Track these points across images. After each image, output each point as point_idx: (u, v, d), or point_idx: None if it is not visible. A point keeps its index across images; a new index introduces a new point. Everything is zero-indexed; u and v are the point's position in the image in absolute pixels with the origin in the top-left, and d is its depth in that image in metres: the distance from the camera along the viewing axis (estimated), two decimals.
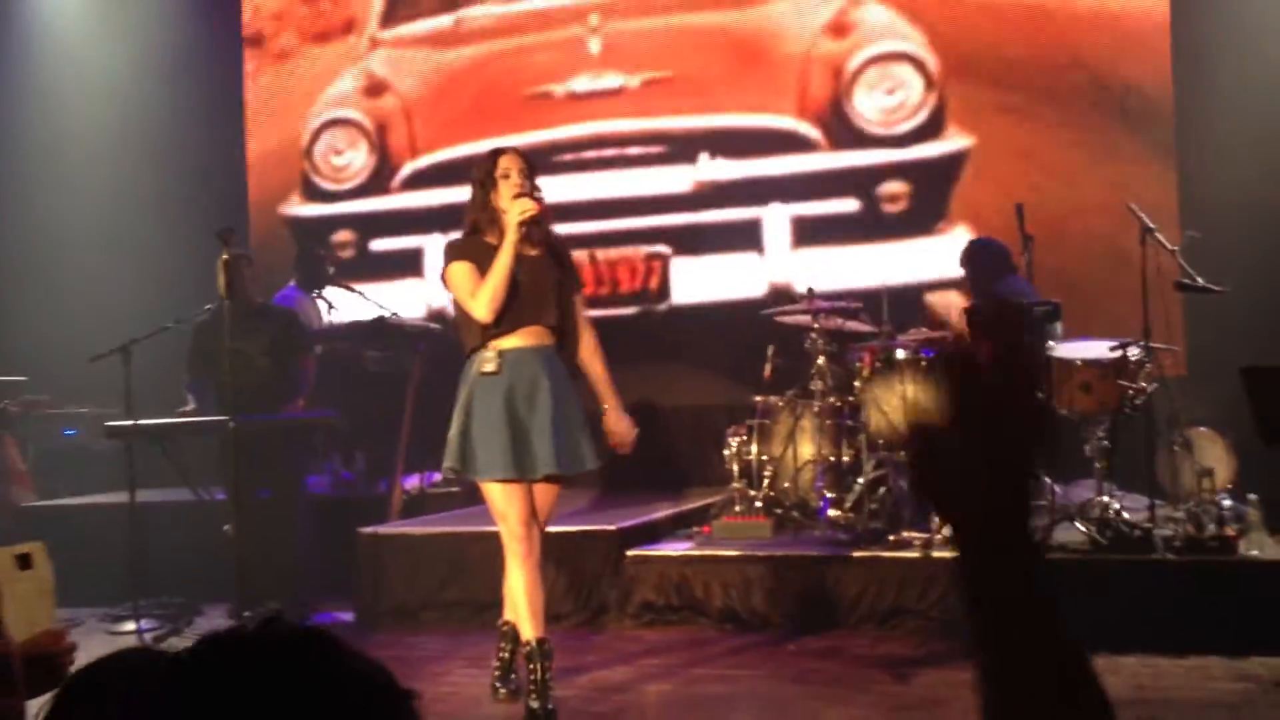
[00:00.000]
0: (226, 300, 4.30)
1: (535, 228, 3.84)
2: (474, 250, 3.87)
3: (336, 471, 6.84)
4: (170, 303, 6.21)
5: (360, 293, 7.79)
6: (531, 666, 3.83)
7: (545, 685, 3.81)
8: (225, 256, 4.18)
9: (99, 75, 8.35)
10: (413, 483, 6.76)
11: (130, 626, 5.35)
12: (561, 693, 3.97)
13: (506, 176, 3.86)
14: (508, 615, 4.04)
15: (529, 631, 3.84)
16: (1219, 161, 6.33)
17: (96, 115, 8.29)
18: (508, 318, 3.83)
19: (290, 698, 0.81)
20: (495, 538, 5.50)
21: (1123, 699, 3.90)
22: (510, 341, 3.85)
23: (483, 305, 3.78)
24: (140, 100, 8.27)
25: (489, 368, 3.82)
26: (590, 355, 4.04)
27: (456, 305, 3.95)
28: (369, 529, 5.80)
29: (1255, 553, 4.55)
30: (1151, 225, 5.06)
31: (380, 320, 6.97)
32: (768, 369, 6.04)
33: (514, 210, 3.76)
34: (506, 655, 4.08)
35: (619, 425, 4.03)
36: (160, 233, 7.80)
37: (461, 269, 3.85)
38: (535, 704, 3.79)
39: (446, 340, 7.27)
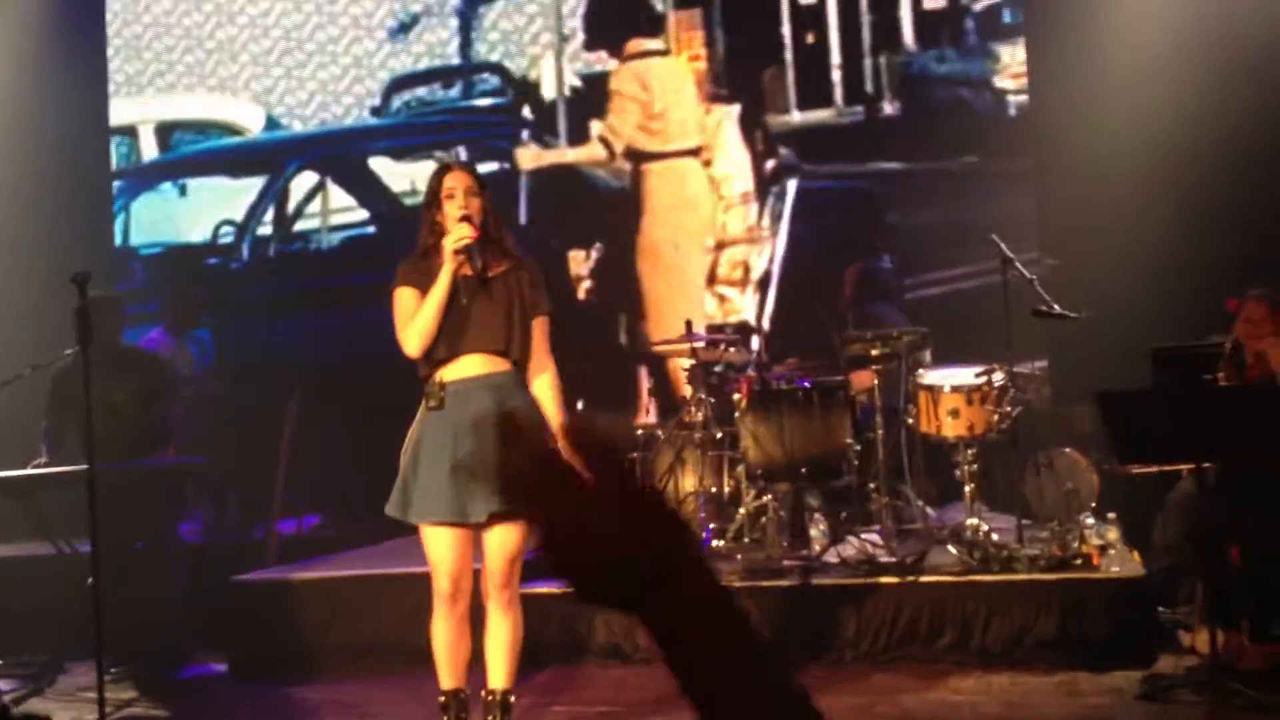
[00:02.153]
0: (83, 350, 4.14)
1: (477, 253, 3.60)
2: (421, 274, 3.64)
3: (207, 518, 6.65)
4: (27, 348, 5.98)
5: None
6: (490, 718, 3.67)
7: None
8: (80, 303, 4.03)
9: None
10: (289, 527, 6.60)
11: None
12: None
13: (451, 197, 3.63)
14: (444, 683, 3.72)
15: (490, 681, 3.68)
16: (1077, 189, 6.58)
17: None
18: (446, 344, 3.60)
19: None
20: (376, 581, 5.44)
21: (992, 717, 3.99)
22: (453, 371, 3.62)
23: (410, 340, 3.59)
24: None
25: (433, 402, 3.62)
26: (543, 388, 3.72)
27: None
28: (242, 576, 5.64)
29: (1115, 569, 4.71)
30: (1011, 255, 5.23)
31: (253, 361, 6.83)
32: (646, 402, 6.07)
33: (449, 239, 3.57)
34: None
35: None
36: (15, 273, 7.51)
37: (404, 295, 3.64)
38: None
39: (321, 381, 7.18)
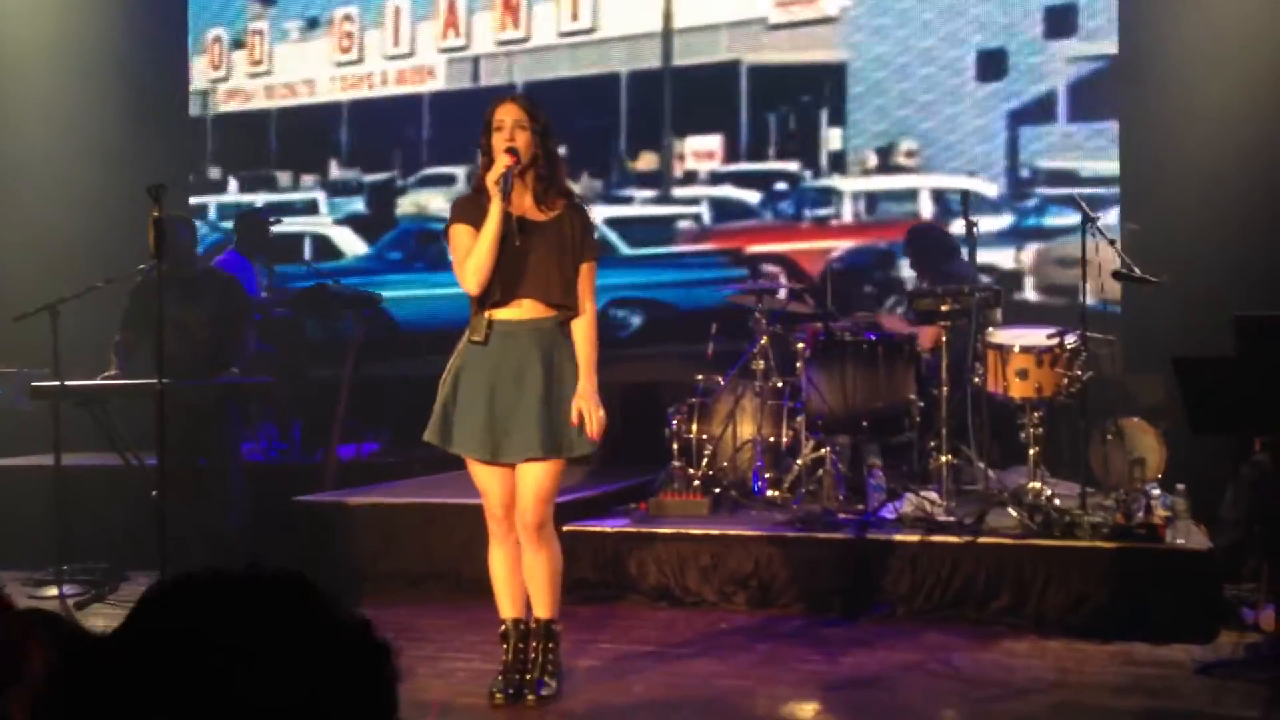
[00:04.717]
0: (157, 262, 4.18)
1: (512, 180, 3.53)
2: (475, 210, 3.61)
3: (270, 439, 6.75)
4: (103, 260, 6.07)
5: (304, 259, 7.71)
6: (534, 645, 3.72)
7: (540, 665, 3.70)
8: (156, 214, 4.06)
9: (40, 9, 8.11)
10: (349, 453, 6.68)
11: (52, 591, 5.24)
12: (485, 664, 3.95)
13: (499, 129, 3.58)
14: (504, 613, 3.79)
15: (537, 610, 3.72)
16: (1161, 154, 6.39)
17: (25, 56, 8.02)
18: (502, 288, 3.57)
19: (271, 637, 0.79)
20: (431, 509, 5.49)
21: (1046, 682, 3.94)
22: (505, 313, 3.61)
23: (468, 276, 3.56)
24: (78, 42, 8.03)
25: (476, 337, 3.60)
26: (579, 328, 3.66)
27: None
28: (303, 498, 5.73)
29: (1181, 541, 4.62)
30: (1093, 215, 5.10)
31: (321, 287, 6.88)
32: (710, 348, 6.03)
33: (491, 172, 3.54)
34: (509, 656, 3.76)
35: (584, 405, 3.59)
36: (94, 186, 7.61)
37: (458, 232, 3.61)
38: (525, 679, 3.69)
39: (387, 309, 7.23)
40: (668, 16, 7.58)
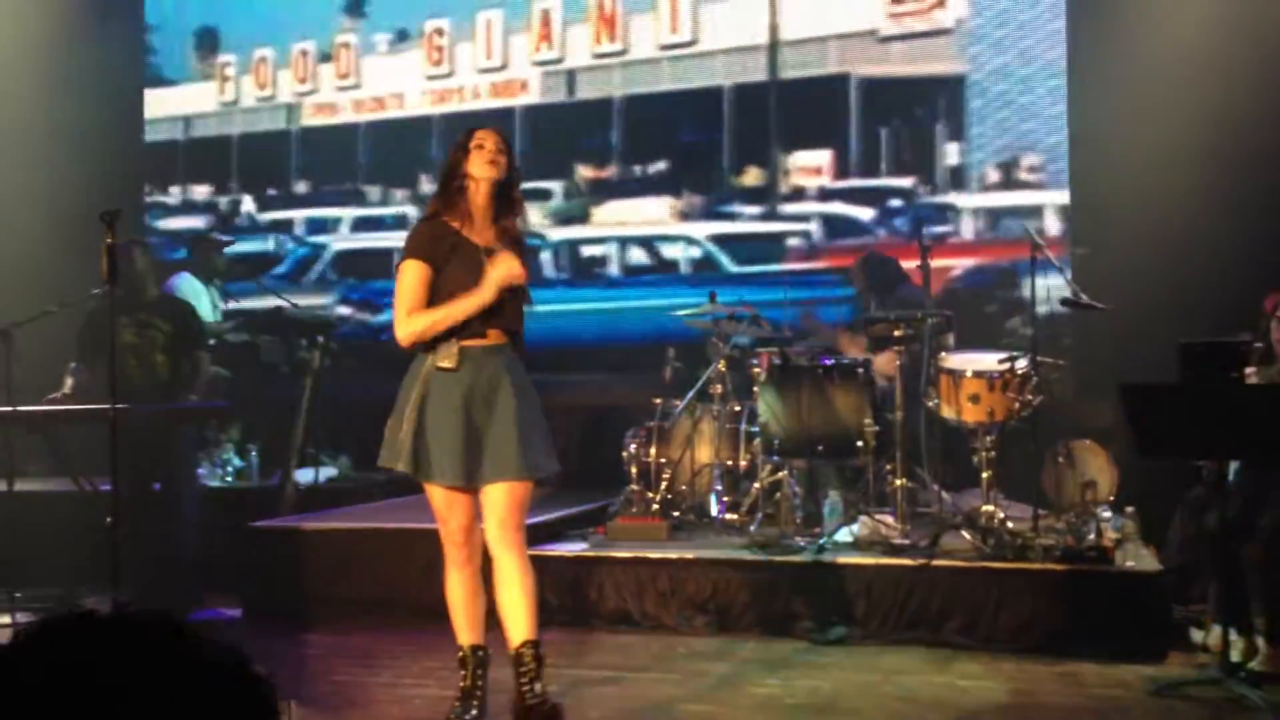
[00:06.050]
0: (110, 287, 4.16)
1: (490, 213, 3.65)
2: (435, 243, 3.62)
3: (227, 464, 6.71)
4: (57, 285, 6.02)
5: (259, 281, 7.68)
6: (524, 669, 3.64)
7: (533, 684, 3.64)
8: (109, 240, 4.04)
9: None
10: (306, 477, 6.65)
11: (4, 620, 5.18)
12: (442, 691, 3.94)
13: (481, 147, 3.65)
14: (463, 639, 3.75)
15: (517, 637, 3.64)
16: (1110, 180, 6.50)
17: None
18: (477, 320, 3.60)
19: (135, 680, 0.79)
20: (388, 534, 5.48)
21: (997, 704, 3.99)
22: (475, 341, 3.63)
23: (406, 334, 3.58)
24: (34, 62, 7.97)
25: (447, 364, 3.58)
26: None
27: None
28: (259, 523, 5.70)
29: (1131, 563, 4.69)
30: (1041, 242, 5.19)
31: (278, 310, 6.86)
32: (667, 372, 6.07)
33: (499, 270, 3.57)
34: (467, 683, 3.74)
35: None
36: (49, 209, 7.55)
37: (411, 271, 3.59)
38: (530, 701, 3.62)
39: (345, 334, 7.22)
40: (774, 29, 7.44)
